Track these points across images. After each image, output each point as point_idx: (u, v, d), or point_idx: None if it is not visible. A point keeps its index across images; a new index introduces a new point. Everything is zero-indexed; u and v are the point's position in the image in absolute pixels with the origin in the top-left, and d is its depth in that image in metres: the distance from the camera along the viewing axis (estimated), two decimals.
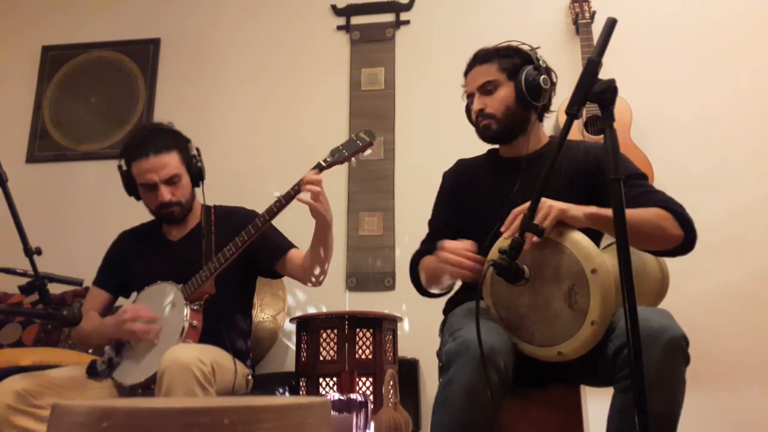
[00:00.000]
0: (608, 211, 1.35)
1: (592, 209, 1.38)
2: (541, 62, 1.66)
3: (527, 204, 1.29)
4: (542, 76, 1.64)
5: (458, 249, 1.47)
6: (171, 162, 1.91)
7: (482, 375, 1.26)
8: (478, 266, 1.44)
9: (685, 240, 1.45)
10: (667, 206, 1.46)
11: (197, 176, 1.99)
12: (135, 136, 2.00)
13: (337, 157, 1.80)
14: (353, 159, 1.81)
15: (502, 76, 1.66)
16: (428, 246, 1.77)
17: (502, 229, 1.39)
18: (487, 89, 1.68)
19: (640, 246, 1.47)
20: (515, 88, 1.65)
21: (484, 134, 1.71)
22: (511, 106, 1.66)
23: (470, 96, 1.73)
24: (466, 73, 1.75)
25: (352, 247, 3.00)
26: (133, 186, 1.97)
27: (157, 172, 1.89)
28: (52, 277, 1.53)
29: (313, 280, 1.91)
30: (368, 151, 1.83)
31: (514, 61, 1.66)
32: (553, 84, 1.70)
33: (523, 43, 1.70)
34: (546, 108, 1.72)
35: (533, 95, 1.64)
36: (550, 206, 1.34)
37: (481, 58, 1.71)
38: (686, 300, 2.52)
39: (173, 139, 1.96)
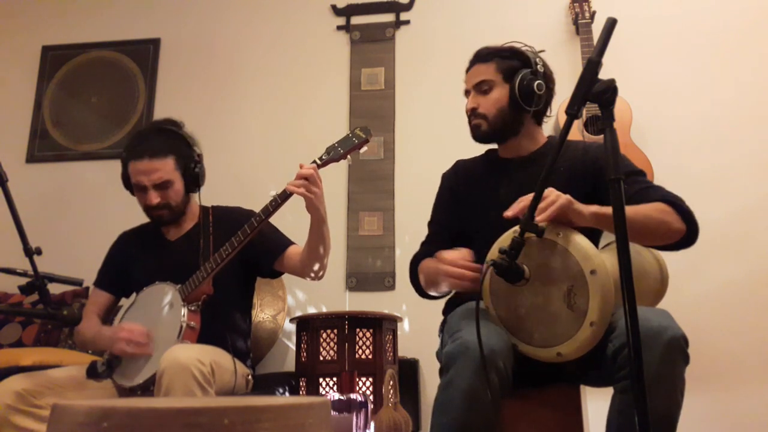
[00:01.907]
0: (611, 210, 1.34)
1: (595, 207, 1.37)
2: (539, 67, 1.65)
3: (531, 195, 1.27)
4: (537, 82, 1.63)
5: (457, 260, 1.45)
6: (164, 168, 1.90)
7: (482, 377, 1.26)
8: (479, 276, 1.42)
9: (687, 232, 1.45)
10: (667, 200, 1.46)
11: (192, 183, 1.97)
12: (136, 136, 2.00)
13: (332, 155, 1.79)
14: (349, 156, 1.80)
15: (498, 77, 1.66)
16: (428, 248, 1.77)
17: (507, 213, 1.35)
18: (482, 89, 1.68)
19: (644, 242, 1.46)
20: (509, 91, 1.64)
21: (474, 133, 1.72)
22: (503, 108, 1.66)
23: (467, 93, 1.74)
24: (467, 70, 1.75)
25: (352, 247, 3.00)
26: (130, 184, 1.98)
27: (148, 176, 1.89)
28: (52, 277, 1.54)
29: (312, 275, 1.91)
30: (364, 149, 1.80)
31: (512, 63, 1.66)
32: (550, 89, 1.68)
33: (526, 45, 1.70)
34: (542, 113, 1.71)
35: (526, 100, 1.63)
36: (558, 195, 1.33)
37: (481, 56, 1.71)
38: (686, 300, 2.53)
39: (173, 144, 1.94)
